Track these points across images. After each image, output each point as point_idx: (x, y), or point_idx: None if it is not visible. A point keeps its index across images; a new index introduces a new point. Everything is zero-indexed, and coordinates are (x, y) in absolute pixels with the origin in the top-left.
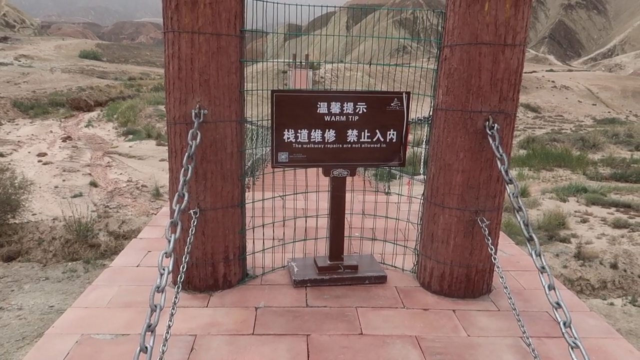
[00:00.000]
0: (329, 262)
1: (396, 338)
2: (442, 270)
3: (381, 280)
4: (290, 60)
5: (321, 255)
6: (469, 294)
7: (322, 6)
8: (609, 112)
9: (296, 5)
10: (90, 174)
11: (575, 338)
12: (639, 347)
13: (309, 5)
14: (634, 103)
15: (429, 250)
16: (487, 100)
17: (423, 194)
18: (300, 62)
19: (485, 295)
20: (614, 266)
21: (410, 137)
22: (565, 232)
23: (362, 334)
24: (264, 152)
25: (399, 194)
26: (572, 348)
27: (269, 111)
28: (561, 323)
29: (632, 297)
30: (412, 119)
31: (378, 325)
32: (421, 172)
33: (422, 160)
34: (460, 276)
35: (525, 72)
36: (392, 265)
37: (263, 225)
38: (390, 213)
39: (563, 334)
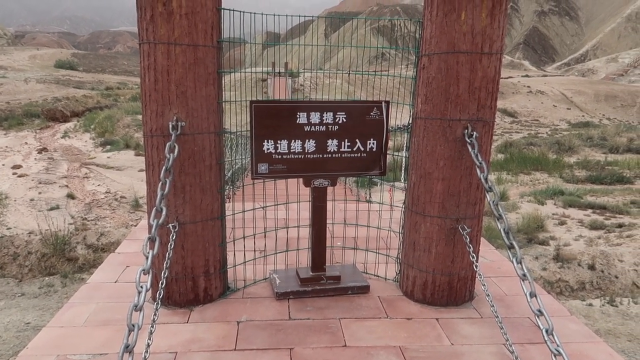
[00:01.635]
0: (311, 273)
1: (380, 349)
2: (424, 278)
3: (364, 290)
4: (270, 70)
5: (303, 266)
6: (452, 302)
7: (299, 16)
8: (582, 115)
9: (274, 15)
10: (67, 186)
11: (557, 345)
12: (617, 346)
13: (286, 15)
14: (607, 106)
15: (411, 259)
16: (466, 108)
17: (404, 202)
18: (278, 72)
19: (467, 303)
20: (591, 267)
21: (390, 144)
22: (543, 234)
23: (346, 346)
24: (243, 161)
25: (380, 202)
26: (554, 356)
27: (248, 122)
28: (543, 330)
29: (610, 297)
30: (392, 127)
31: (362, 336)
32: (402, 180)
33: (403, 168)
34: (442, 284)
35: (502, 78)
36: (374, 275)
37: (244, 237)
38: (372, 221)
39: (546, 341)
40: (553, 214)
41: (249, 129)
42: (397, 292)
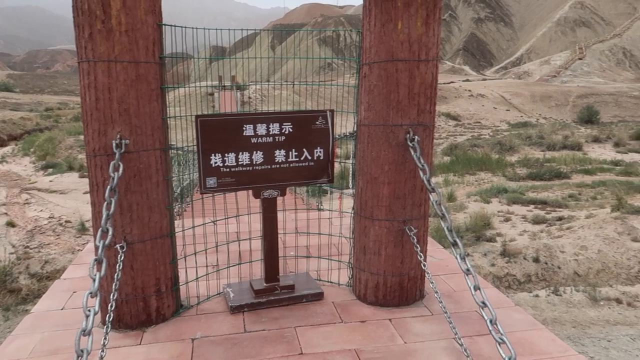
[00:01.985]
0: (265, 284)
1: (336, 354)
2: (376, 281)
3: (318, 297)
4: (217, 84)
5: (257, 278)
6: (404, 302)
7: (242, 30)
8: (521, 116)
9: (216, 29)
10: (6, 214)
11: (501, 334)
12: (563, 333)
13: (229, 30)
14: (542, 107)
15: (362, 263)
16: (407, 114)
17: (353, 207)
18: (223, 86)
19: (419, 301)
20: (536, 260)
21: (339, 152)
22: (490, 231)
23: (302, 353)
24: (192, 177)
25: (330, 210)
26: (499, 344)
27: (194, 136)
28: (488, 321)
29: (554, 287)
30: (339, 135)
31: (317, 343)
32: (350, 186)
33: (351, 175)
34: (393, 285)
35: (444, 83)
36: (328, 281)
37: (195, 253)
38: (323, 229)
39: (490, 331)
40: (498, 212)
41: (195, 143)
42: (351, 297)
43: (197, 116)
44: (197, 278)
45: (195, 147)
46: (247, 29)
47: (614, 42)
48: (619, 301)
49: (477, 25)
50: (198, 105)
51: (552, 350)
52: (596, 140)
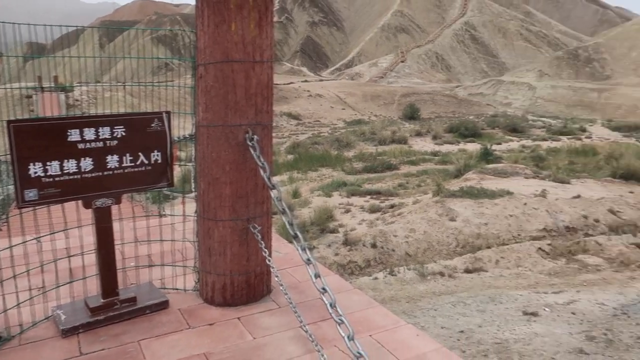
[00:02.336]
0: (102, 300)
1: None
2: (223, 282)
3: (163, 306)
4: (35, 85)
5: (93, 294)
6: (252, 299)
7: (61, 26)
8: (355, 114)
9: (29, 24)
10: None
11: (340, 315)
12: (399, 308)
13: (45, 25)
14: (373, 105)
15: (208, 265)
16: (245, 114)
17: (196, 210)
18: (42, 88)
19: (266, 297)
20: (374, 245)
21: (181, 154)
22: (333, 223)
23: None
24: (8, 190)
25: (172, 215)
26: (339, 325)
27: (8, 145)
28: (327, 305)
29: (390, 268)
30: (178, 137)
31: (164, 353)
32: (192, 189)
33: (193, 177)
34: (241, 284)
35: (285, 84)
36: (173, 289)
37: (15, 277)
38: (165, 235)
39: (330, 314)
40: (339, 204)
41: (9, 152)
42: (198, 301)
43: (8, 122)
44: (18, 304)
45: (8, 156)
46: (67, 25)
47: (429, 47)
48: (442, 274)
49: (312, 29)
50: (12, 110)
51: (386, 323)
52: (418, 134)
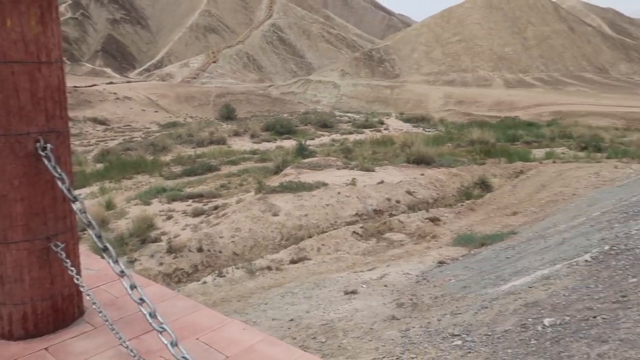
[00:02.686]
0: None
1: None
2: (22, 311)
3: None
4: None
5: None
6: (61, 325)
7: None
8: (170, 116)
9: None
10: None
11: (162, 323)
12: (230, 308)
13: None
14: (188, 106)
15: (2, 296)
16: (34, 121)
17: None
18: None
19: (79, 319)
20: (200, 250)
21: None
22: (155, 232)
23: None
24: None
25: None
26: (160, 333)
27: None
28: (147, 315)
29: (219, 270)
30: None
31: None
32: None
33: None
34: (45, 310)
35: (87, 86)
36: None
37: None
38: None
39: (150, 323)
40: (160, 211)
41: None
42: None
43: None
44: None
45: None
46: None
47: (239, 47)
48: (269, 268)
49: (113, 27)
50: None
51: (212, 324)
52: (236, 134)
